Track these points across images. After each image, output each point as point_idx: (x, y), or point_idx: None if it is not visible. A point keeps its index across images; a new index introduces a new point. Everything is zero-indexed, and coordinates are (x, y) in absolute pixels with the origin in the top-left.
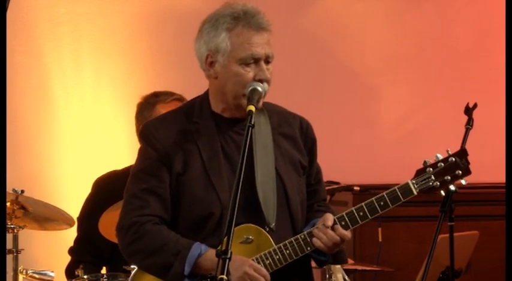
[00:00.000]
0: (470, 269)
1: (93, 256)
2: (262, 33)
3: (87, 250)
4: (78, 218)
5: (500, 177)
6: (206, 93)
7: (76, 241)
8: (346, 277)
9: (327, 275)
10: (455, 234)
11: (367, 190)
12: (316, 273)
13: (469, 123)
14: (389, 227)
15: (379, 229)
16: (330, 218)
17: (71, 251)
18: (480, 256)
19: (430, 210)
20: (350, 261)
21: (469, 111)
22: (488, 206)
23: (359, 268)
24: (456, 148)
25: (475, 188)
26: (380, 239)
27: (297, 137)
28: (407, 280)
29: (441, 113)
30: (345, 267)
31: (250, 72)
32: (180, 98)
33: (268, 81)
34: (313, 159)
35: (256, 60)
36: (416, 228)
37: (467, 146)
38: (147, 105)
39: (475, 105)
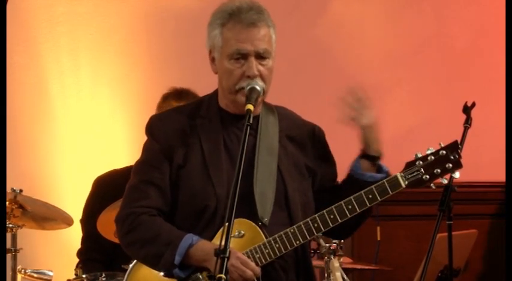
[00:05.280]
0: (469, 268)
1: (100, 253)
2: (251, 29)
3: (93, 249)
4: (81, 219)
5: (498, 176)
6: (216, 90)
7: (82, 242)
8: (345, 276)
9: (326, 274)
10: (453, 233)
11: None
12: (315, 272)
13: (468, 122)
14: (387, 226)
15: (378, 228)
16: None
17: (79, 253)
18: (478, 254)
19: (429, 209)
20: (348, 260)
21: (467, 110)
22: (487, 204)
23: (357, 267)
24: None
25: (474, 187)
26: (378, 238)
27: (306, 142)
28: (406, 279)
29: (440, 112)
30: (343, 266)
31: (239, 69)
32: None
33: (258, 78)
34: (332, 163)
35: (245, 56)
36: (414, 227)
37: (466, 145)
38: (167, 106)
39: (473, 104)
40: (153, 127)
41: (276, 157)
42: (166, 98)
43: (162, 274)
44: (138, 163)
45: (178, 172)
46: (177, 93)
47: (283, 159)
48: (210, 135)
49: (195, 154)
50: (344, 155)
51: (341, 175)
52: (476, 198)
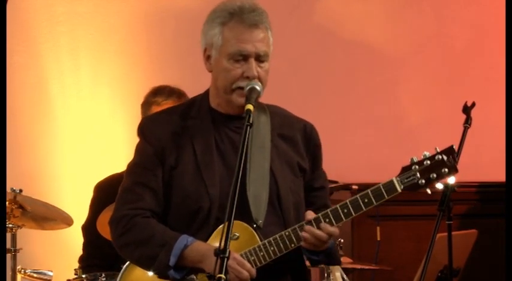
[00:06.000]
0: (469, 268)
1: (101, 259)
2: (253, 31)
3: (95, 255)
4: (83, 227)
5: (498, 175)
6: (207, 90)
7: (84, 248)
8: (345, 276)
9: (325, 274)
10: (453, 233)
11: (365, 189)
12: (315, 272)
13: (467, 122)
14: (387, 226)
15: (378, 228)
16: (310, 214)
17: (80, 259)
18: (478, 254)
19: (429, 209)
20: (348, 260)
21: (467, 110)
22: (487, 204)
23: (357, 267)
24: (454, 146)
25: (474, 187)
26: (378, 238)
27: (297, 140)
28: (406, 279)
29: (439, 112)
30: (343, 266)
31: (238, 69)
32: (172, 103)
33: (256, 79)
34: (317, 164)
35: (245, 57)
36: (414, 227)
37: (466, 145)
38: (145, 103)
39: (473, 104)
40: (145, 129)
41: (269, 157)
42: (145, 98)
43: (152, 274)
44: (131, 165)
45: (170, 173)
46: (153, 91)
47: (276, 159)
48: (201, 136)
49: (187, 155)
50: (342, 154)
51: (339, 174)
52: (476, 198)
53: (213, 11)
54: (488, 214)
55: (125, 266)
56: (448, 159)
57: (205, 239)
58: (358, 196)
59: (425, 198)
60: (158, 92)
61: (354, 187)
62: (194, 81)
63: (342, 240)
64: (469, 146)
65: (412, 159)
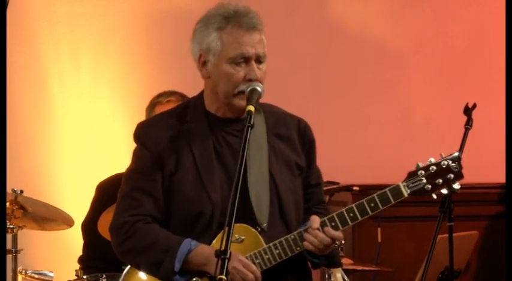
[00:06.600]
0: (470, 269)
1: (101, 261)
2: (252, 33)
3: (95, 257)
4: (83, 224)
5: (499, 177)
6: (201, 93)
7: (84, 249)
8: (346, 277)
9: (326, 276)
10: (454, 234)
11: (367, 190)
12: (316, 273)
13: (468, 124)
14: (388, 227)
15: (379, 229)
16: (316, 221)
17: (80, 260)
18: (479, 256)
19: (430, 210)
20: (349, 261)
21: (468, 111)
22: (488, 206)
23: (358, 268)
24: (455, 148)
25: (474, 188)
26: (379, 239)
27: (293, 138)
28: (407, 280)
29: (440, 113)
30: (344, 267)
31: (240, 72)
32: (175, 100)
33: (259, 81)
34: (312, 161)
35: (247, 60)
36: (415, 228)
37: (467, 146)
38: (150, 105)
39: (474, 106)
40: (142, 134)
41: (267, 158)
42: (149, 102)
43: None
44: (129, 171)
45: (170, 179)
46: (157, 94)
47: (274, 160)
48: (199, 141)
49: (186, 159)
50: (343, 155)
51: (340, 175)
52: (477, 199)
53: (205, 17)
54: (488, 215)
55: (127, 268)
56: (454, 165)
57: (208, 244)
58: (364, 200)
59: (426, 199)
60: (161, 94)
61: (355, 188)
62: (194, 82)
63: (343, 241)
64: (469, 147)
65: (417, 165)
